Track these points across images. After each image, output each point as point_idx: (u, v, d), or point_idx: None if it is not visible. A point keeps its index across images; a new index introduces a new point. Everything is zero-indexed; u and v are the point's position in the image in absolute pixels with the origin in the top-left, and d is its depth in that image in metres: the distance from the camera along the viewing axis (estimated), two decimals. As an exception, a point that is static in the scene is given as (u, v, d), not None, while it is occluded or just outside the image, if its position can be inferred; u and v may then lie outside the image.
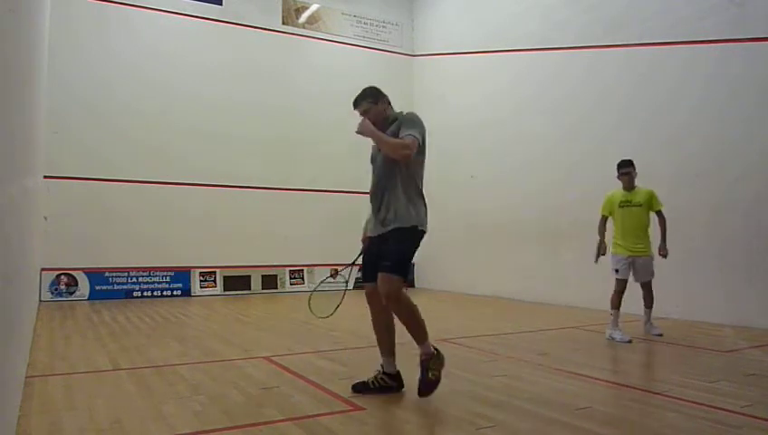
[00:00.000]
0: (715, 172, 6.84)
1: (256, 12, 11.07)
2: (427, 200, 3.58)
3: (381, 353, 3.61)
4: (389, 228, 3.46)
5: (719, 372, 4.22)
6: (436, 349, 3.47)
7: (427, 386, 3.39)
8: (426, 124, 3.53)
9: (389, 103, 3.70)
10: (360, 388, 3.56)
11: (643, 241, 5.78)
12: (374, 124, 3.49)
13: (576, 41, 8.82)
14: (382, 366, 3.59)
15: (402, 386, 3.59)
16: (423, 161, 3.56)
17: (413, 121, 3.47)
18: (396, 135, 3.44)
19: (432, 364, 3.40)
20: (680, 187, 6.57)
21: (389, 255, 3.40)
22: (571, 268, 8.55)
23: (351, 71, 11.78)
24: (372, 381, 3.56)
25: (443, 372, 3.44)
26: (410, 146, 3.36)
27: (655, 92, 7.62)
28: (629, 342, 5.48)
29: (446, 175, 10.22)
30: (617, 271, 5.81)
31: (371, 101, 3.60)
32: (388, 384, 3.55)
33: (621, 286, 5.78)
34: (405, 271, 3.43)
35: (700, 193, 6.90)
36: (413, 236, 3.47)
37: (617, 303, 5.74)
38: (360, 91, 3.66)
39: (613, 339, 5.57)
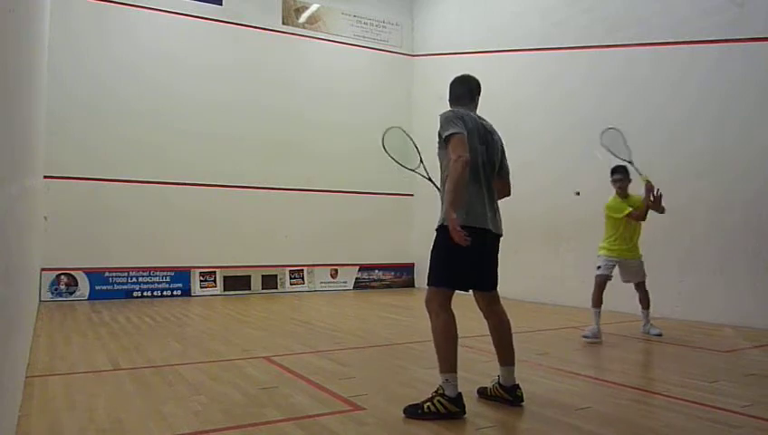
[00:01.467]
0: (715, 172, 6.83)
1: (256, 12, 11.05)
2: (474, 189, 3.21)
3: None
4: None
5: (719, 372, 4.22)
6: (450, 389, 3.02)
7: (411, 409, 3.08)
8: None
9: (455, 101, 3.52)
10: (481, 391, 3.46)
11: (633, 246, 5.72)
12: None
13: (576, 41, 8.81)
14: (499, 377, 3.39)
15: (518, 401, 3.27)
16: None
17: (441, 123, 3.21)
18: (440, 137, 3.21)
19: (435, 400, 3.02)
20: (680, 187, 6.56)
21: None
22: (571, 268, 8.55)
23: (351, 71, 11.81)
24: (489, 390, 3.41)
25: (438, 411, 2.98)
26: (454, 152, 3.04)
27: (655, 92, 7.62)
28: (593, 340, 5.41)
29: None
30: (599, 267, 5.71)
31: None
32: (501, 395, 3.33)
33: (600, 281, 5.65)
34: (436, 278, 3.16)
35: (700, 193, 6.89)
36: (438, 235, 3.19)
37: (597, 300, 5.60)
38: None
39: (585, 338, 5.47)
